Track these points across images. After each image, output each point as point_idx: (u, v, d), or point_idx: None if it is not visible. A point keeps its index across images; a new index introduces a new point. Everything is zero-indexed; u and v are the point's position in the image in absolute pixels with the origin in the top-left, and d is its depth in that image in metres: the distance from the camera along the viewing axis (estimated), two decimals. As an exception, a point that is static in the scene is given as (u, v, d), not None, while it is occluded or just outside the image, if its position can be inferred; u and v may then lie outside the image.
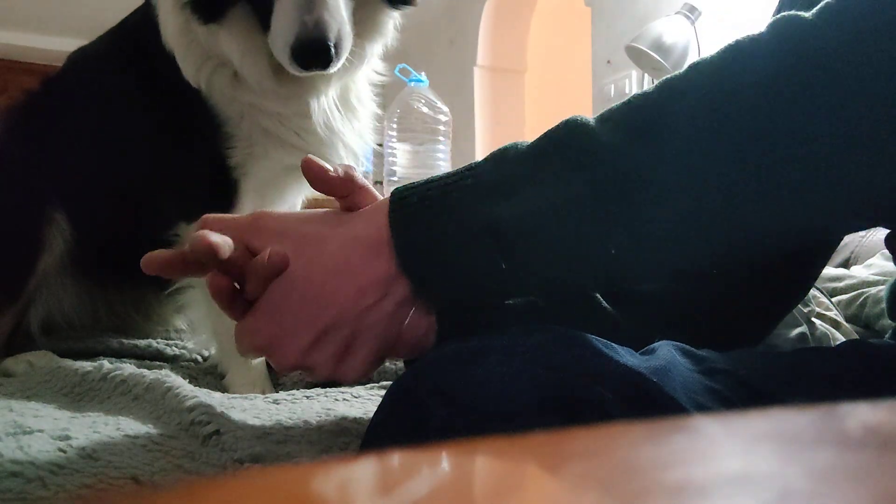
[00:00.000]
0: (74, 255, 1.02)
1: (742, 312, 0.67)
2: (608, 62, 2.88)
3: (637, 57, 2.26)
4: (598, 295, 0.60)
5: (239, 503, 0.18)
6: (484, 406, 0.40)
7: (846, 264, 1.51)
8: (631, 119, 0.44)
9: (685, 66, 0.46)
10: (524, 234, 0.44)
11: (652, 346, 0.52)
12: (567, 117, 0.47)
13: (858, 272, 1.29)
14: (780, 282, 0.68)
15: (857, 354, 0.58)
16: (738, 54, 0.44)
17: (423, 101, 2.07)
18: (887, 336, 0.67)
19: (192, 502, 0.18)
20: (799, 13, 0.44)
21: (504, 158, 0.47)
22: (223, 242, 0.49)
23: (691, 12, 2.26)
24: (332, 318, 0.48)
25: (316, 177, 0.52)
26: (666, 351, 0.51)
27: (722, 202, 0.43)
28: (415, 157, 2.10)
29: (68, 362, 0.82)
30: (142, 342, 1.04)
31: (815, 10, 0.44)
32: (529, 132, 3.83)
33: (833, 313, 0.99)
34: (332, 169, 0.52)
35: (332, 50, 0.84)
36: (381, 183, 2.19)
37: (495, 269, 0.45)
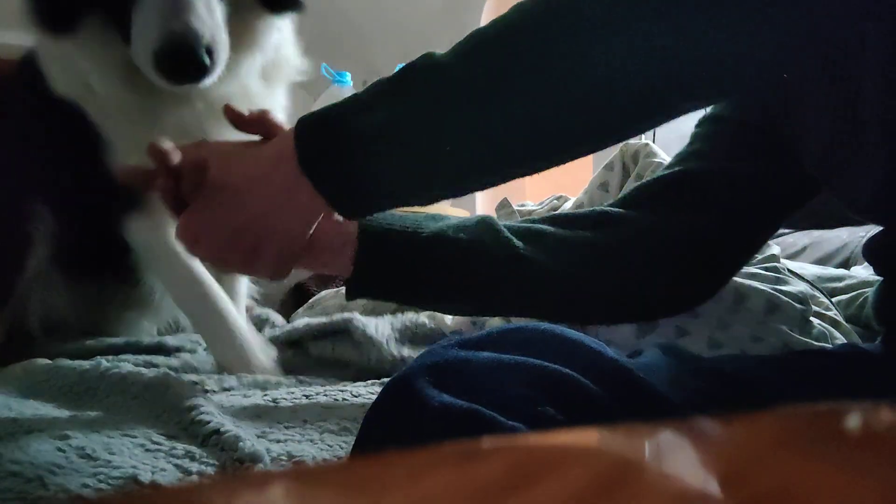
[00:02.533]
0: (58, 253, 0.99)
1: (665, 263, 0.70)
2: (608, 62, 2.87)
3: (637, 57, 2.25)
4: (510, 235, 0.68)
5: (239, 503, 0.18)
6: (478, 397, 0.42)
7: (846, 264, 1.51)
8: (461, 44, 0.53)
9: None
10: (383, 138, 0.52)
11: (639, 349, 0.53)
12: None
13: (858, 272, 1.29)
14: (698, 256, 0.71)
15: (845, 357, 0.58)
16: None
17: (423, 101, 2.06)
18: (879, 339, 0.67)
19: (192, 502, 0.18)
20: None
21: (376, 82, 0.55)
22: (173, 150, 0.61)
23: (691, 13, 2.25)
24: (242, 222, 0.57)
25: (234, 119, 0.63)
26: (653, 351, 0.52)
27: (524, 107, 0.51)
28: (414, 157, 2.10)
29: (65, 361, 0.81)
30: (144, 338, 1.03)
31: None
32: (529, 132, 3.81)
33: (832, 313, 0.99)
34: (247, 112, 0.63)
35: (206, 59, 0.74)
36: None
37: (370, 170, 0.53)
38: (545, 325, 0.49)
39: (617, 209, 0.72)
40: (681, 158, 0.75)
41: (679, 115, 0.54)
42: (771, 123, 0.69)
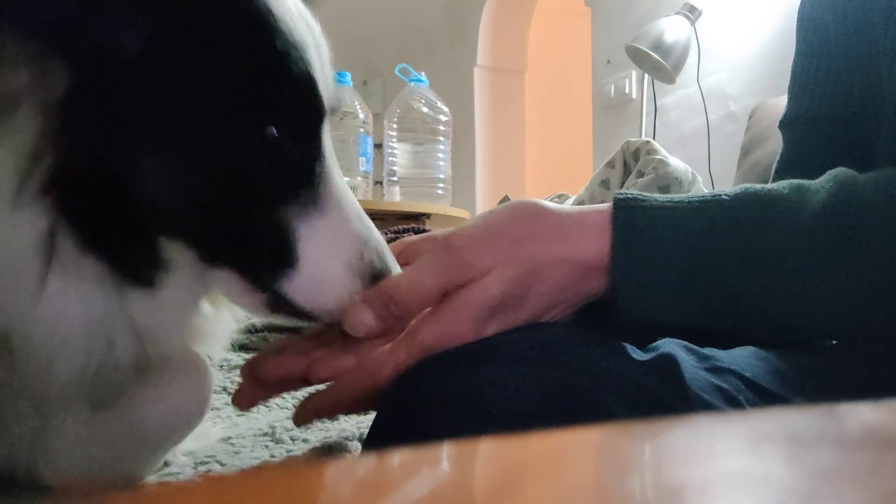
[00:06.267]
0: None
1: None
2: (608, 62, 2.88)
3: (637, 57, 2.26)
4: None
5: (239, 503, 0.18)
6: (487, 408, 0.40)
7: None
8: None
9: None
10: (768, 309, 0.45)
11: (656, 343, 0.52)
12: (836, 171, 0.47)
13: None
14: None
15: (860, 356, 0.58)
16: None
17: (423, 101, 2.07)
18: None
19: (193, 502, 0.18)
20: None
21: (766, 222, 0.46)
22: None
23: (691, 12, 2.26)
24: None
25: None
26: (670, 349, 0.51)
27: None
28: (415, 156, 2.10)
29: None
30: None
31: None
32: (530, 132, 3.83)
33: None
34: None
35: None
36: (380, 183, 2.18)
37: (712, 319, 0.46)
38: (556, 326, 0.47)
39: None
40: (787, 168, 0.72)
41: None
42: (853, 114, 0.68)
